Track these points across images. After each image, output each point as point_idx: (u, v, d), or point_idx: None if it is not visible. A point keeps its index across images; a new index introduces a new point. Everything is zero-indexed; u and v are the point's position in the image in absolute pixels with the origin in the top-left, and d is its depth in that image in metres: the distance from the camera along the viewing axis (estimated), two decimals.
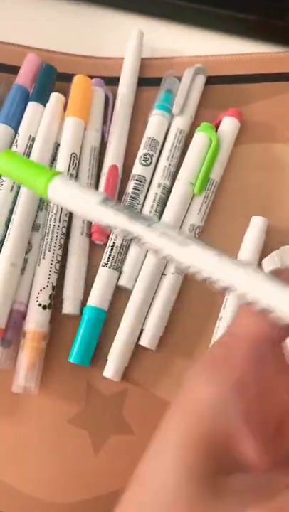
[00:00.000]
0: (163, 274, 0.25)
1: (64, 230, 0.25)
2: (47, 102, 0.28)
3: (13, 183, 0.26)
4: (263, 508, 0.12)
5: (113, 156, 0.27)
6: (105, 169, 0.27)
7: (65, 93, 0.28)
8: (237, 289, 0.15)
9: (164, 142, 0.28)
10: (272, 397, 0.14)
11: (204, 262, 0.15)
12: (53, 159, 0.27)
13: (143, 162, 0.27)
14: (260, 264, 0.25)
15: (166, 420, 0.15)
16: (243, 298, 0.15)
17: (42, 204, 0.26)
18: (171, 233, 0.16)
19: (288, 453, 0.14)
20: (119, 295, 0.25)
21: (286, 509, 0.12)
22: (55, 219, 0.25)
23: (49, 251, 0.25)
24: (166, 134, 0.28)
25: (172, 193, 0.26)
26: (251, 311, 0.15)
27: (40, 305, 0.24)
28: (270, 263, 0.24)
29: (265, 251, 0.25)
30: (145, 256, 0.25)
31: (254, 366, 0.14)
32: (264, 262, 0.24)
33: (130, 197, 0.26)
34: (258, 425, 0.14)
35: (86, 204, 0.18)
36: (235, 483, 0.13)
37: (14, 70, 0.30)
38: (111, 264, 0.25)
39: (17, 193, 0.26)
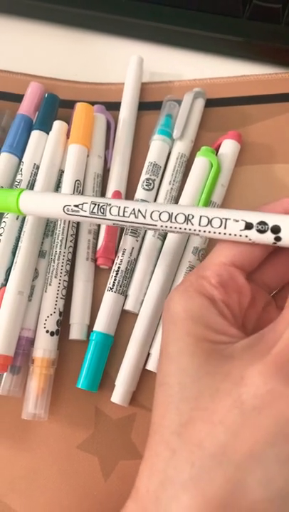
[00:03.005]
0: None
1: (70, 256, 0.26)
2: (50, 129, 0.29)
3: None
4: (263, 362, 0.15)
5: (116, 181, 0.27)
6: (109, 194, 0.27)
7: (68, 119, 0.29)
8: (197, 217, 0.18)
9: (165, 166, 0.28)
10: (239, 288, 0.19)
11: (164, 206, 0.19)
12: (58, 186, 0.27)
13: (145, 187, 0.27)
14: None
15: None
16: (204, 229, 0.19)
17: (48, 231, 0.26)
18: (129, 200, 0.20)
19: (260, 321, 0.19)
20: (126, 319, 0.26)
21: (280, 356, 0.15)
22: (60, 245, 0.25)
23: (55, 277, 0.25)
24: (168, 158, 0.28)
25: None
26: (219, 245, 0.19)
27: (47, 331, 0.24)
28: None
29: None
30: (150, 280, 0.25)
31: (221, 283, 0.18)
32: None
33: None
34: (232, 311, 0.18)
35: (53, 204, 0.21)
36: (232, 351, 0.16)
37: (18, 98, 0.31)
38: (116, 289, 0.25)
39: (23, 221, 0.26)
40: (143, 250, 0.26)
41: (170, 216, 0.19)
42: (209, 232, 0.18)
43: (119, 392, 0.23)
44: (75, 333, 0.25)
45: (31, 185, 0.27)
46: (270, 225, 0.17)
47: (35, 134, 0.28)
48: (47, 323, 0.24)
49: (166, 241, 0.26)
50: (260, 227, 0.18)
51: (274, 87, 0.31)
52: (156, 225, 0.19)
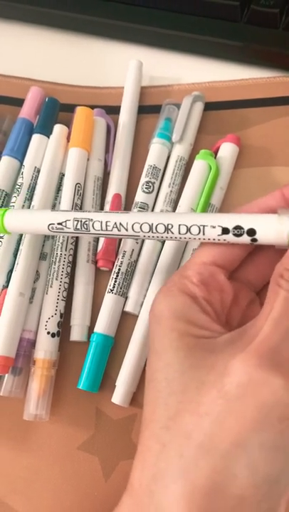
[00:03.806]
0: None
1: (70, 259, 0.26)
2: (51, 133, 0.29)
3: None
4: (244, 353, 0.16)
5: (116, 184, 0.28)
6: (109, 197, 0.28)
7: (68, 123, 0.29)
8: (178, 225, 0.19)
9: (165, 169, 0.28)
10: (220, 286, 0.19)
11: (144, 217, 0.20)
12: (58, 189, 0.28)
13: (145, 190, 0.27)
14: None
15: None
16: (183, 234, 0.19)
17: None
18: (111, 213, 0.21)
19: (244, 316, 0.20)
20: (126, 320, 0.26)
21: (261, 347, 0.16)
22: (61, 248, 0.26)
23: (56, 279, 0.25)
24: (167, 161, 0.29)
25: None
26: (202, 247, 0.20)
27: (48, 333, 0.24)
28: None
29: None
30: (150, 282, 0.26)
31: (202, 281, 0.19)
32: None
33: None
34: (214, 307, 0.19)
35: (38, 223, 0.22)
36: (215, 344, 0.17)
37: (19, 102, 0.31)
38: (117, 291, 0.25)
39: None
40: (143, 252, 0.26)
41: (150, 227, 0.19)
42: (190, 238, 0.19)
43: (119, 393, 0.24)
44: (76, 334, 0.25)
45: (32, 188, 0.27)
46: (246, 228, 0.18)
47: (36, 138, 0.29)
48: (48, 324, 0.25)
49: (165, 243, 0.26)
50: (236, 231, 0.18)
51: (272, 91, 0.31)
52: (139, 236, 0.20)
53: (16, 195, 0.27)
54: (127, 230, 0.20)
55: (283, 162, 0.29)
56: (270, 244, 0.18)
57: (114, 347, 0.25)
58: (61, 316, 0.25)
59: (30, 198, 0.27)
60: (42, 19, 0.35)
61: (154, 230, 0.19)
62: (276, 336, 0.16)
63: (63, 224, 0.21)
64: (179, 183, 0.28)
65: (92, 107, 0.30)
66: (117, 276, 0.26)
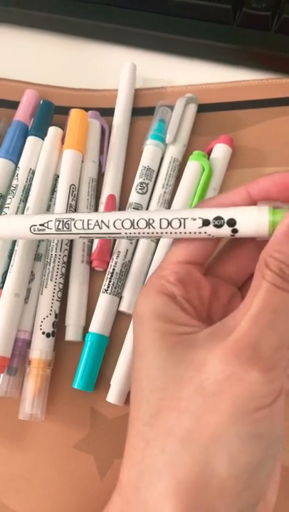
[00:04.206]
0: None
1: (65, 259, 0.26)
2: (45, 135, 0.29)
3: (15, 214, 0.27)
4: (222, 349, 0.16)
5: (110, 185, 0.28)
6: (103, 198, 0.28)
7: (63, 125, 0.30)
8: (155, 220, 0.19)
9: (158, 171, 0.29)
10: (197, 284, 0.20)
11: (125, 214, 0.20)
12: (53, 191, 0.28)
13: (139, 191, 0.28)
14: None
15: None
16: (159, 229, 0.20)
17: None
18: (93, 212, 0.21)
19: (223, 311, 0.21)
20: (121, 320, 0.26)
21: (237, 342, 0.16)
22: (56, 248, 0.26)
23: (51, 280, 0.25)
24: (161, 162, 0.29)
25: None
26: (175, 246, 0.20)
27: (43, 333, 0.25)
28: None
29: None
30: (144, 282, 0.26)
31: (179, 278, 0.19)
32: None
33: None
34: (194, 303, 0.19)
35: (20, 226, 0.22)
36: (195, 339, 0.17)
37: (13, 105, 0.31)
38: (111, 291, 0.26)
39: None
40: (137, 252, 0.27)
41: (132, 223, 0.20)
42: (171, 233, 0.19)
43: (114, 392, 0.24)
44: (71, 334, 0.25)
45: (27, 190, 0.28)
46: (226, 218, 0.18)
47: (31, 140, 0.29)
48: (43, 324, 0.25)
49: (159, 243, 0.27)
50: (216, 222, 0.18)
51: (264, 93, 0.32)
52: (120, 233, 0.20)
53: (10, 196, 0.27)
54: (108, 227, 0.20)
55: (276, 163, 0.30)
56: (250, 235, 0.18)
57: (108, 346, 0.25)
58: (56, 316, 0.25)
59: (25, 199, 0.27)
60: (36, 22, 0.35)
61: (136, 226, 0.19)
62: (254, 331, 0.16)
63: (45, 225, 0.21)
64: (172, 184, 0.28)
65: (87, 109, 0.30)
66: (112, 276, 0.26)
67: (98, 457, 0.24)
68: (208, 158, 0.29)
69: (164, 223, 0.19)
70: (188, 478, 0.15)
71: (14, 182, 0.28)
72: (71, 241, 0.27)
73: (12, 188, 0.28)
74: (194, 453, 0.15)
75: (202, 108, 0.31)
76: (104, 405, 0.24)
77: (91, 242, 0.27)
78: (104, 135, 0.30)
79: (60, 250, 0.26)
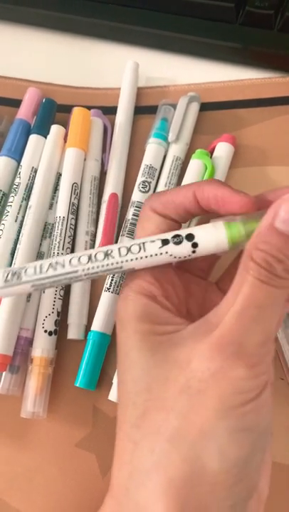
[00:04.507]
0: None
1: None
2: (48, 134, 0.29)
3: (18, 213, 0.27)
4: (206, 346, 0.16)
5: (113, 184, 0.28)
6: (106, 197, 0.28)
7: (65, 124, 0.30)
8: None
9: (161, 169, 0.29)
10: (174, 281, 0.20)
11: (84, 251, 0.19)
12: (56, 189, 0.28)
13: (142, 189, 0.28)
14: None
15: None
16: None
17: (46, 233, 0.27)
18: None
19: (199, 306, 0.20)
20: None
21: (221, 339, 0.16)
22: (58, 247, 0.26)
23: None
24: (163, 161, 0.29)
25: None
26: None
27: (46, 331, 0.25)
28: None
29: None
30: None
31: (155, 277, 0.19)
32: None
33: (130, 223, 0.27)
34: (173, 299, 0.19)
35: None
36: (179, 338, 0.17)
37: (16, 103, 0.31)
38: (113, 289, 0.26)
39: (21, 223, 0.27)
40: None
41: (90, 257, 0.19)
42: (132, 259, 0.19)
43: (116, 390, 0.24)
44: (73, 332, 0.25)
45: (30, 188, 0.28)
46: (184, 235, 0.18)
47: (33, 138, 0.29)
48: (45, 323, 0.25)
49: None
50: (175, 239, 0.18)
51: (267, 91, 0.32)
52: (77, 271, 0.19)
53: (13, 195, 0.27)
54: (64, 266, 0.19)
55: (278, 162, 0.29)
56: (211, 249, 0.18)
57: (111, 345, 0.25)
58: (58, 314, 0.25)
59: (27, 197, 0.27)
60: (39, 21, 0.35)
61: (94, 259, 0.19)
62: (239, 327, 0.16)
63: None
64: (175, 182, 0.28)
65: (89, 108, 0.30)
66: (114, 274, 0.26)
67: (100, 456, 0.24)
68: (211, 157, 0.29)
69: (124, 251, 0.19)
70: (178, 476, 0.15)
71: (17, 180, 0.28)
72: (73, 240, 0.27)
73: (15, 186, 0.28)
74: (183, 450, 0.15)
75: (205, 107, 0.31)
76: (106, 404, 0.24)
77: (93, 240, 0.27)
78: (107, 133, 0.30)
79: (63, 249, 0.26)
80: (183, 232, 0.18)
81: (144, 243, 0.18)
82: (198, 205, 0.19)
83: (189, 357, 0.16)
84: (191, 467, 0.15)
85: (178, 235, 0.18)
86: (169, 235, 0.18)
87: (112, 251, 0.19)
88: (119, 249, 0.19)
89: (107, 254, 0.19)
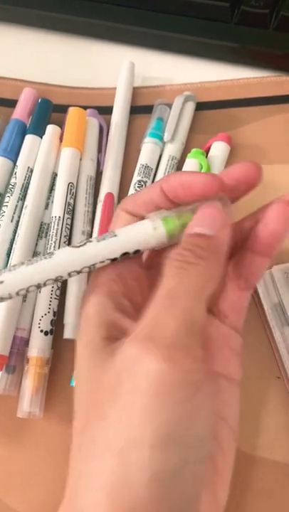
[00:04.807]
0: None
1: None
2: (43, 134, 0.29)
3: (13, 213, 0.27)
4: (134, 340, 0.15)
5: (108, 184, 0.28)
6: (101, 196, 0.28)
7: (61, 124, 0.30)
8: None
9: (157, 169, 0.29)
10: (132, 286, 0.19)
11: (28, 277, 0.18)
12: (51, 189, 0.28)
13: (137, 188, 0.28)
14: None
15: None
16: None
17: (41, 232, 0.27)
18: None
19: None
20: None
21: (142, 332, 0.15)
22: (54, 247, 0.26)
23: None
24: (159, 160, 0.29)
25: None
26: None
27: (42, 331, 0.25)
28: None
29: None
30: None
31: (115, 277, 0.19)
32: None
33: None
34: (128, 305, 0.18)
35: None
36: (121, 343, 0.16)
37: (12, 103, 0.31)
38: None
39: (17, 223, 0.27)
40: None
41: (38, 286, 0.18)
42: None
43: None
44: (69, 332, 0.25)
45: (25, 188, 0.28)
46: (131, 251, 0.18)
47: (29, 138, 0.29)
48: (41, 322, 0.25)
49: None
50: (124, 256, 0.18)
51: (263, 90, 0.32)
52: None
53: (9, 195, 0.27)
54: (11, 297, 0.18)
55: (274, 160, 0.30)
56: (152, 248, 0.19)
57: None
58: (54, 314, 0.25)
59: (23, 197, 0.27)
60: (35, 21, 0.35)
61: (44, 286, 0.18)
62: (152, 318, 0.16)
63: None
64: None
65: (85, 108, 0.30)
66: None
67: None
68: (207, 156, 0.29)
69: (74, 276, 0.18)
70: (109, 484, 0.14)
71: (12, 180, 0.28)
72: (69, 239, 0.27)
73: (10, 186, 0.28)
74: (111, 460, 0.15)
75: (200, 106, 0.31)
76: None
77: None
78: (103, 133, 0.30)
79: (59, 248, 0.26)
80: (129, 247, 0.18)
81: (94, 265, 0.18)
82: (166, 198, 0.19)
83: (122, 360, 0.16)
84: (119, 478, 0.14)
85: (126, 253, 0.18)
86: (117, 253, 0.18)
87: (61, 277, 0.18)
88: (69, 274, 0.18)
89: (56, 280, 0.18)
